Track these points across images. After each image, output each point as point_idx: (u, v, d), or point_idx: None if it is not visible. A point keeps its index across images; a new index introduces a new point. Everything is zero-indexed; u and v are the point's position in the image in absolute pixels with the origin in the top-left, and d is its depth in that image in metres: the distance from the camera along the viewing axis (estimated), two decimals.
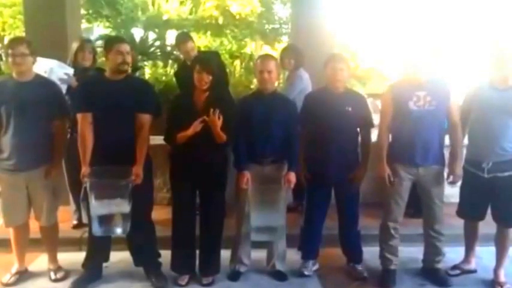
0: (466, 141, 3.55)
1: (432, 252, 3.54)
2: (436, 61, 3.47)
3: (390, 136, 3.48)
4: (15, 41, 3.25)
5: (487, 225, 3.51)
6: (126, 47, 3.19)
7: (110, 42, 3.26)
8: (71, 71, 3.93)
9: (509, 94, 3.23)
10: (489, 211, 3.45)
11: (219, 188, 3.40)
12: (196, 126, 3.15)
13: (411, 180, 3.41)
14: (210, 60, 3.36)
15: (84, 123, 3.17)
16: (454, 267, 3.67)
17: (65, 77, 3.82)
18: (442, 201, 3.46)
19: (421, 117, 3.27)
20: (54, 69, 3.80)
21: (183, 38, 4.61)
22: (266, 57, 3.53)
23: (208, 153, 3.24)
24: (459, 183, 3.48)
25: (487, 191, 3.35)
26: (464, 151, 3.51)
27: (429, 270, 3.59)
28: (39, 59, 3.50)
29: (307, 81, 4.54)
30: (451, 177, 3.42)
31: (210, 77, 3.20)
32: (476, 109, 3.36)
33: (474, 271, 3.67)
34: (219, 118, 3.13)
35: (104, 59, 3.41)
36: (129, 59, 3.19)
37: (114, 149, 3.12)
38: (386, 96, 3.45)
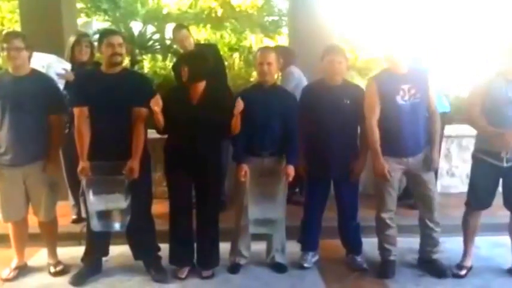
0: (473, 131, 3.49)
1: (428, 243, 3.52)
2: (414, 51, 3.41)
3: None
4: (10, 35, 3.23)
5: (483, 215, 3.48)
6: (117, 39, 3.17)
7: (102, 36, 3.25)
8: (68, 66, 3.92)
9: None
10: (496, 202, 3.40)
11: (214, 179, 3.40)
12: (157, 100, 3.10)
13: (401, 170, 3.41)
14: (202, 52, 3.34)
15: (81, 117, 3.16)
16: (460, 267, 3.52)
17: (63, 71, 3.81)
18: (434, 190, 3.45)
19: (408, 110, 3.27)
20: (51, 64, 3.79)
21: (177, 27, 4.68)
22: (266, 49, 3.53)
23: (203, 145, 3.23)
24: (463, 175, 3.41)
25: (502, 180, 3.34)
26: (473, 141, 3.49)
27: (426, 261, 3.57)
28: (37, 54, 3.48)
29: (299, 76, 4.57)
30: (432, 164, 3.36)
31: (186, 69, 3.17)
32: (489, 101, 3.29)
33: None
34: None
35: None
36: (121, 50, 3.16)
37: (111, 143, 3.12)
38: (371, 90, 3.36)
